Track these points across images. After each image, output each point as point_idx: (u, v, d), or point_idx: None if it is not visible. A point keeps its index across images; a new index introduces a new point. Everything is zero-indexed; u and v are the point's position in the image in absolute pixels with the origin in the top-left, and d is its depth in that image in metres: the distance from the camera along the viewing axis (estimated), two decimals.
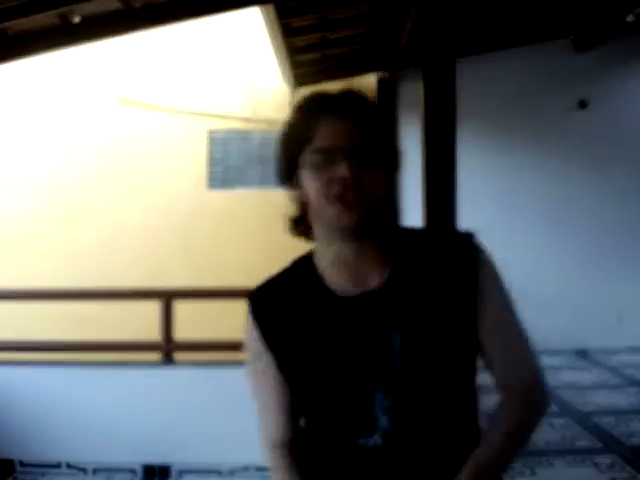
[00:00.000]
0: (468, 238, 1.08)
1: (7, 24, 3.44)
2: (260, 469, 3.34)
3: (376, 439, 1.01)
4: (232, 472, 3.43)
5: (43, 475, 3.51)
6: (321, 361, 1.03)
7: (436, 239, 1.10)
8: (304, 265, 1.10)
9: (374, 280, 1.04)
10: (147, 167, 6.77)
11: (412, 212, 5.91)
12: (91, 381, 3.61)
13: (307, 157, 1.01)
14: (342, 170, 0.97)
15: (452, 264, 1.04)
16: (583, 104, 6.57)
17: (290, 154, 1.03)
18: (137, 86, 6.80)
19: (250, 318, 1.10)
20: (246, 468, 3.38)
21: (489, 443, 1.05)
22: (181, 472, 3.47)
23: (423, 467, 1.02)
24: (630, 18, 5.72)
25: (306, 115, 1.03)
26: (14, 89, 6.83)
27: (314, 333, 1.04)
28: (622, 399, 4.90)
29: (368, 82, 6.73)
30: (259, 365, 1.10)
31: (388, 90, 6.63)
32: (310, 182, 1.01)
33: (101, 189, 6.79)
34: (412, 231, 1.13)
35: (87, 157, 6.81)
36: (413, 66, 5.46)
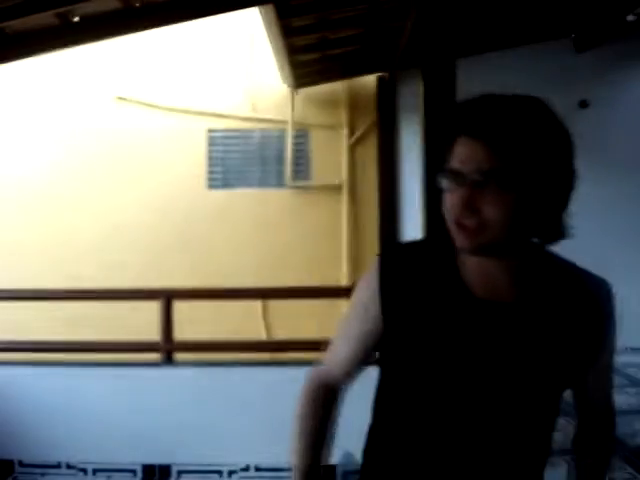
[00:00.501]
0: (605, 285, 1.14)
1: (6, 24, 3.43)
2: (260, 469, 3.34)
3: (460, 433, 1.04)
4: (232, 472, 3.43)
5: (43, 475, 3.51)
6: (437, 346, 1.03)
7: (576, 274, 1.12)
8: (444, 251, 1.08)
9: (508, 294, 1.04)
10: (146, 166, 6.77)
11: (412, 212, 5.93)
12: (91, 381, 3.61)
13: (443, 175, 1.01)
14: (456, 197, 0.97)
15: (588, 305, 1.09)
16: (584, 104, 6.57)
17: (440, 163, 1.04)
18: (135, 85, 6.79)
19: (376, 277, 1.08)
20: (246, 468, 3.38)
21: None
22: (181, 472, 3.47)
23: (492, 468, 1.07)
24: (631, 18, 5.71)
25: (448, 129, 1.04)
26: (12, 88, 6.83)
27: (440, 320, 1.04)
28: (622, 399, 4.90)
29: (368, 82, 6.73)
30: (364, 322, 1.10)
31: (388, 90, 6.63)
32: (444, 198, 1.02)
33: (99, 189, 6.78)
34: (552, 256, 1.12)
35: (85, 156, 6.80)
36: (413, 66, 5.46)
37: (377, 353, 1.14)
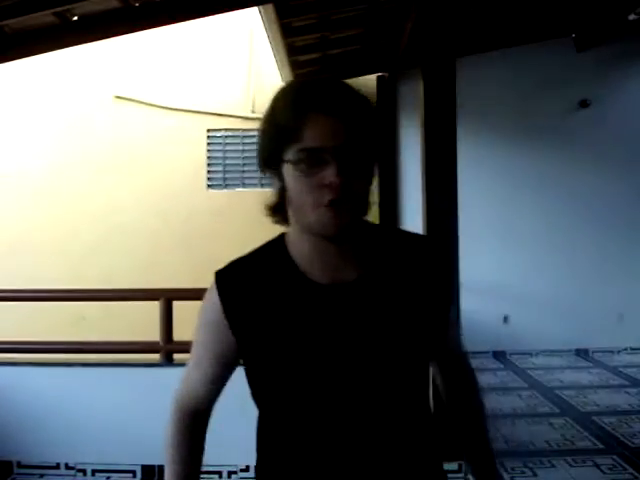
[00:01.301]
0: (432, 241, 1.14)
1: (5, 22, 3.42)
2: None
3: (334, 427, 1.02)
4: (232, 473, 3.42)
5: (42, 476, 3.50)
6: (291, 343, 1.01)
7: (409, 240, 1.12)
8: (276, 249, 1.08)
9: (349, 274, 1.03)
10: (145, 166, 6.77)
11: (412, 212, 5.93)
12: (91, 381, 3.60)
13: (292, 155, 0.95)
14: (330, 175, 0.93)
15: (426, 267, 1.08)
16: (584, 103, 6.56)
17: (274, 147, 0.98)
18: (134, 84, 6.79)
19: (215, 292, 1.07)
20: (246, 469, 3.37)
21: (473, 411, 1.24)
22: None
23: (385, 450, 1.04)
24: (632, 17, 5.71)
25: (293, 108, 0.96)
26: (10, 87, 6.83)
27: (286, 316, 1.02)
28: (622, 399, 4.89)
29: (368, 82, 6.72)
30: (212, 334, 1.08)
31: (388, 90, 6.63)
32: (294, 182, 0.97)
33: (98, 188, 6.78)
34: (383, 229, 1.14)
35: (84, 156, 6.80)
36: (413, 66, 5.46)
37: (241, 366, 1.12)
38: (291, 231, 1.07)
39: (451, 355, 1.22)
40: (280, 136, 0.97)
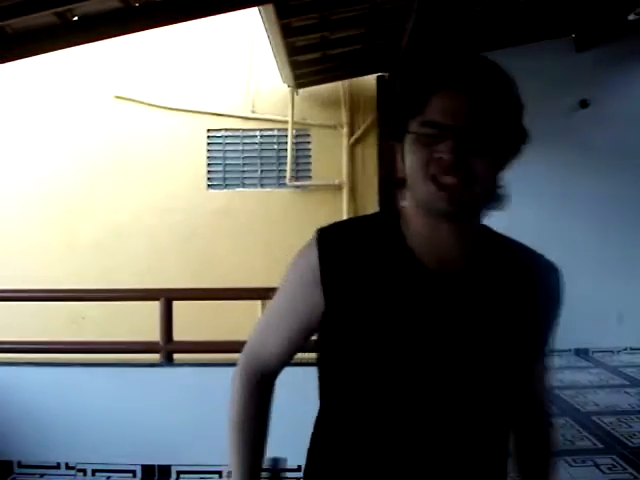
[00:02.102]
0: (554, 268, 1.09)
1: (6, 22, 3.43)
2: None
3: (419, 423, 0.95)
4: (232, 473, 3.42)
5: (42, 476, 3.50)
6: (383, 324, 0.94)
7: (527, 254, 1.08)
8: (389, 220, 1.01)
9: (459, 265, 0.97)
10: (145, 166, 6.76)
11: None
12: (91, 381, 3.60)
13: (415, 126, 0.92)
14: (444, 150, 0.89)
15: (540, 287, 1.03)
16: (584, 104, 6.56)
17: (401, 115, 0.95)
18: (135, 84, 6.79)
19: (314, 251, 0.98)
20: None
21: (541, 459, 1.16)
22: (180, 473, 3.46)
23: (464, 458, 0.98)
24: (632, 17, 5.71)
25: (424, 81, 0.94)
26: (10, 87, 6.82)
27: (385, 294, 0.95)
28: (622, 399, 4.90)
29: (368, 82, 6.73)
30: (302, 300, 1.00)
31: (388, 90, 6.62)
32: (411, 153, 0.93)
33: (99, 188, 6.78)
34: (498, 234, 1.08)
35: (84, 156, 6.80)
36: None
37: (315, 339, 1.04)
38: (408, 209, 1.00)
39: (532, 399, 1.15)
40: (408, 106, 0.94)
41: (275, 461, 1.10)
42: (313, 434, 1.08)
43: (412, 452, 0.96)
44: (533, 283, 1.02)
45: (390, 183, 1.01)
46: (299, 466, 1.09)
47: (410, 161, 0.94)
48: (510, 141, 0.95)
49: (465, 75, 0.92)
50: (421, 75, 0.95)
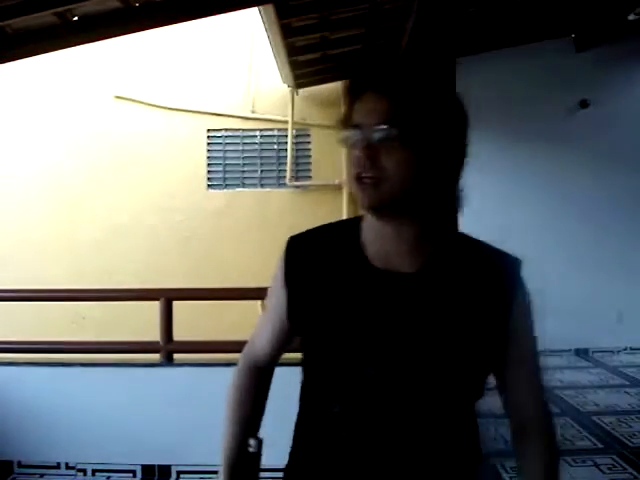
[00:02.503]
0: (514, 262, 1.07)
1: (6, 22, 3.42)
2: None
3: (355, 412, 1.02)
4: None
5: (42, 476, 3.50)
6: (331, 318, 1.03)
7: (478, 248, 1.09)
8: (350, 226, 1.10)
9: (408, 265, 1.02)
10: (145, 166, 6.77)
11: None
12: (91, 381, 3.60)
13: (344, 133, 1.00)
14: (357, 148, 0.97)
15: (493, 279, 1.04)
16: (584, 104, 6.56)
17: (341, 126, 1.03)
18: (134, 84, 6.79)
19: (283, 256, 1.12)
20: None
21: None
22: (181, 472, 3.46)
23: (412, 451, 1.02)
24: (632, 17, 5.71)
25: (353, 89, 1.02)
26: (11, 87, 6.82)
27: (336, 290, 1.04)
28: (622, 399, 4.90)
29: None
30: (274, 298, 1.14)
31: None
32: (346, 158, 1.01)
33: (98, 188, 6.78)
34: (451, 229, 1.10)
35: (84, 156, 6.80)
36: None
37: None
38: (366, 215, 1.08)
39: (523, 405, 1.11)
40: (344, 115, 1.02)
41: (259, 441, 1.20)
42: (295, 426, 1.17)
43: (367, 445, 1.02)
44: (492, 279, 1.04)
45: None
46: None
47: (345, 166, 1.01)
48: (436, 140, 0.97)
49: (387, 77, 0.99)
50: (350, 83, 1.04)
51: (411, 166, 0.96)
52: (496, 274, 1.04)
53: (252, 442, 1.18)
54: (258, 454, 1.19)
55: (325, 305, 1.04)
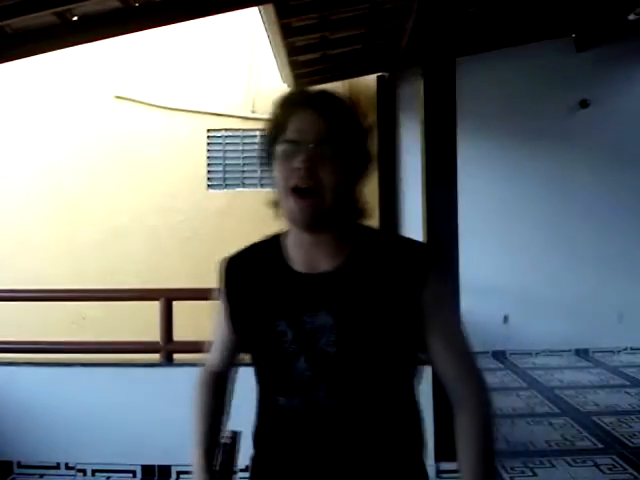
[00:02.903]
0: (427, 250, 1.17)
1: (5, 22, 3.42)
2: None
3: (295, 402, 1.11)
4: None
5: (42, 476, 3.50)
6: (263, 323, 1.14)
7: (400, 244, 1.18)
8: (273, 241, 1.21)
9: (326, 265, 1.12)
10: (145, 167, 6.76)
11: (412, 211, 5.93)
12: (91, 381, 3.60)
13: (278, 147, 1.08)
14: (298, 161, 1.04)
15: (404, 268, 1.11)
16: (584, 104, 6.56)
17: (268, 143, 1.12)
18: (134, 84, 6.79)
19: (222, 271, 1.24)
20: (246, 469, 3.37)
21: (474, 444, 1.11)
22: (180, 473, 3.46)
23: (339, 439, 1.09)
24: (632, 17, 5.71)
25: (283, 108, 1.13)
26: (11, 87, 6.82)
27: (265, 296, 1.16)
28: (622, 399, 4.90)
29: (368, 82, 6.73)
30: (218, 314, 1.26)
31: (388, 90, 6.63)
32: (277, 172, 1.09)
33: (98, 188, 6.78)
34: (370, 229, 1.19)
35: (84, 155, 6.80)
36: (413, 66, 5.46)
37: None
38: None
39: (454, 377, 1.14)
40: (272, 133, 1.12)
41: (234, 433, 1.32)
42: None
43: (312, 433, 1.11)
44: (403, 268, 1.11)
45: (273, 207, 1.17)
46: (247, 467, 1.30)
47: (277, 179, 1.09)
48: (355, 157, 1.11)
49: (319, 100, 1.11)
50: (285, 102, 1.15)
51: (339, 179, 1.07)
52: (407, 263, 1.12)
53: (227, 433, 1.29)
54: (233, 445, 1.31)
55: (256, 312, 1.16)
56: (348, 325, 1.08)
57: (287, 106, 1.13)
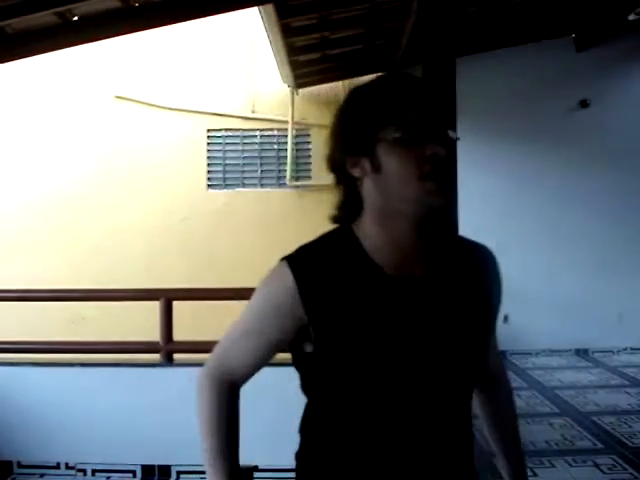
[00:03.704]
0: (491, 252, 1.17)
1: (6, 22, 3.43)
2: (260, 469, 3.33)
3: (407, 417, 1.03)
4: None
5: (42, 476, 3.50)
6: (359, 332, 1.02)
7: (470, 246, 1.16)
8: (346, 239, 1.07)
9: (417, 268, 1.06)
10: (145, 166, 6.76)
11: None
12: (91, 381, 3.60)
13: (394, 133, 0.99)
14: (435, 147, 0.99)
15: (484, 272, 1.13)
16: (584, 104, 6.56)
17: (369, 128, 1.01)
18: (135, 84, 6.79)
19: (288, 275, 1.03)
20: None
21: (513, 420, 1.34)
22: (180, 473, 3.46)
23: (444, 448, 1.07)
24: (631, 17, 5.71)
25: (393, 90, 1.03)
26: (11, 88, 6.82)
27: (358, 304, 1.02)
28: (623, 399, 4.89)
29: None
30: (277, 318, 1.07)
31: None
32: (398, 158, 0.99)
33: (98, 188, 6.78)
34: (445, 232, 1.15)
35: (84, 155, 6.80)
36: (413, 66, 5.46)
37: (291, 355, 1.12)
38: (365, 224, 1.07)
39: (494, 371, 1.27)
40: (380, 115, 1.01)
41: (249, 470, 1.16)
42: (302, 436, 1.15)
43: (398, 444, 1.04)
44: (481, 271, 1.12)
45: (338, 208, 1.10)
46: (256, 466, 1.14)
47: (396, 164, 1.00)
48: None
49: (425, 84, 1.09)
50: (391, 84, 1.06)
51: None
52: (484, 267, 1.13)
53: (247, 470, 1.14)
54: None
55: (351, 318, 1.02)
56: (453, 330, 1.05)
57: (399, 89, 1.03)
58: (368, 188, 1.04)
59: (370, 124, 1.01)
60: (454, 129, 1.07)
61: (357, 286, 1.03)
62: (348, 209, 1.08)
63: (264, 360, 1.13)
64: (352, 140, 1.03)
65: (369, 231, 1.06)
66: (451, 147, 1.04)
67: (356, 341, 1.02)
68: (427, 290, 1.05)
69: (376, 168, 1.01)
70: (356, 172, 1.04)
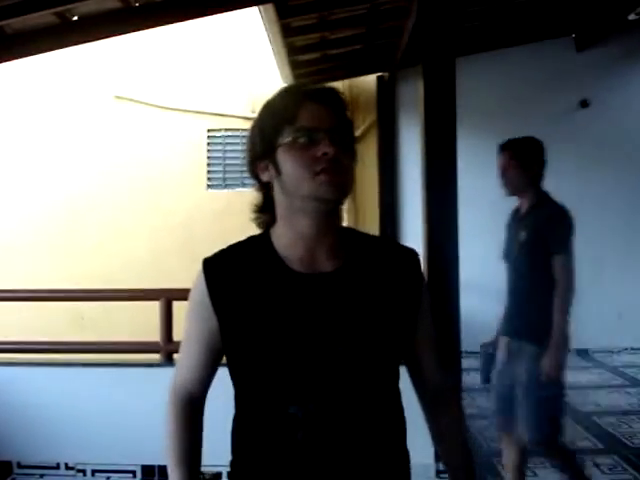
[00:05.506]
0: (415, 253, 1.21)
1: (5, 22, 3.42)
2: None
3: (309, 409, 1.07)
4: None
5: (42, 477, 3.50)
6: (269, 329, 1.08)
7: (387, 245, 1.22)
8: (261, 241, 1.16)
9: (327, 265, 1.11)
10: (145, 166, 6.77)
11: (412, 210, 5.93)
12: (91, 381, 3.60)
13: (288, 137, 1.07)
14: (326, 147, 1.05)
15: (402, 272, 1.17)
16: (585, 103, 6.56)
17: (269, 135, 1.10)
18: (135, 84, 6.79)
19: (202, 279, 1.14)
20: None
21: (461, 446, 1.27)
22: None
23: (348, 442, 1.08)
24: (632, 16, 5.71)
25: (288, 100, 1.11)
26: (10, 88, 6.82)
27: (265, 300, 1.10)
28: (623, 399, 4.89)
29: (368, 82, 6.72)
30: (200, 322, 1.14)
31: (388, 89, 6.63)
32: (291, 160, 1.07)
33: (99, 188, 6.78)
34: (363, 233, 1.21)
35: (84, 155, 6.80)
36: (413, 66, 5.45)
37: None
38: (277, 225, 1.15)
39: (430, 381, 1.25)
40: (275, 124, 1.09)
41: (214, 477, 1.20)
42: (232, 432, 1.20)
43: (307, 436, 1.08)
44: (396, 269, 1.16)
45: (256, 211, 1.19)
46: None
47: (291, 166, 1.07)
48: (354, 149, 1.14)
49: (324, 93, 1.13)
50: (288, 94, 1.13)
51: (353, 164, 1.12)
52: (407, 269, 1.18)
53: (208, 475, 1.19)
54: None
55: (256, 317, 1.09)
56: (355, 325, 1.09)
57: (292, 98, 1.12)
58: (276, 191, 1.13)
59: (270, 131, 1.10)
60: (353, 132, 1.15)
61: (263, 284, 1.11)
62: (265, 212, 1.17)
63: (210, 363, 1.18)
64: (258, 147, 1.13)
65: (279, 231, 1.14)
66: (350, 148, 1.10)
67: (255, 337, 1.08)
68: (336, 286, 1.10)
69: (278, 171, 1.09)
70: (265, 177, 1.13)
